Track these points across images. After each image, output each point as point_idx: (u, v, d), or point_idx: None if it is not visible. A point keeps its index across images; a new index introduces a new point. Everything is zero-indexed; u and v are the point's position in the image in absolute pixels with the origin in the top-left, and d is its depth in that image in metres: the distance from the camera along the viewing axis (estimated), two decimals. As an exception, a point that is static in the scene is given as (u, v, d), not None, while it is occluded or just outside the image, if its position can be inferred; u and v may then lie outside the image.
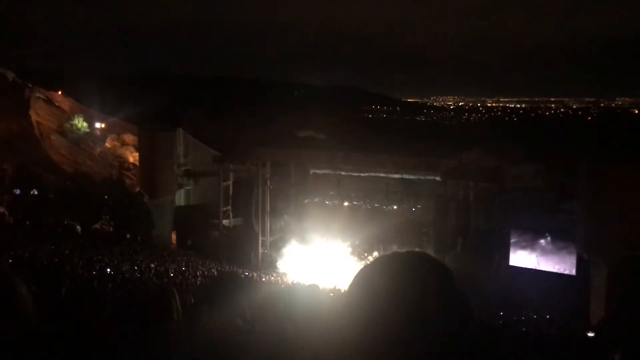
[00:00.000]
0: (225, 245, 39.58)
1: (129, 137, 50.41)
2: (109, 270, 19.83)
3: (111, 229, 39.72)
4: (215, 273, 30.77)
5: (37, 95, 50.32)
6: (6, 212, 39.40)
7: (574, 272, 29.86)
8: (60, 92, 53.90)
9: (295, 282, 34.68)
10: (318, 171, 40.74)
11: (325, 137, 46.67)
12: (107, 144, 50.62)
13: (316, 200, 40.85)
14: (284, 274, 36.68)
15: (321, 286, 31.65)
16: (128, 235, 38.68)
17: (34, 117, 48.44)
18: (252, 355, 3.55)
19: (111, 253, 28.62)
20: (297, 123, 46.02)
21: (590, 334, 16.83)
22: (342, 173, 39.62)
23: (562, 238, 30.55)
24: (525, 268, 31.18)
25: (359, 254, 38.12)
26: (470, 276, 32.53)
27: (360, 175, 39.41)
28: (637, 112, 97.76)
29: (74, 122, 49.57)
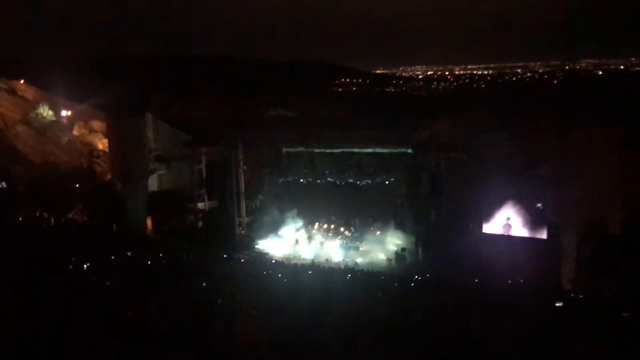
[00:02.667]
0: (202, 228, 39.58)
1: (97, 124, 49.38)
2: (85, 266, 19.67)
3: (85, 218, 39.21)
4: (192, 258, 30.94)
5: (0, 85, 48.91)
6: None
7: (544, 237, 30.62)
8: (22, 81, 52.42)
9: (274, 260, 35.00)
10: (291, 150, 40.78)
11: (295, 114, 46.45)
12: (75, 132, 49.54)
13: (290, 179, 40.94)
14: (264, 252, 36.89)
15: (299, 262, 32.06)
16: (103, 224, 38.24)
17: (-3, 109, 47.13)
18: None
19: (87, 244, 28.33)
20: (266, 102, 45.60)
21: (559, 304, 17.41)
22: (315, 150, 39.76)
23: (533, 203, 31.23)
24: (498, 234, 31.85)
25: (335, 229, 38.43)
26: (445, 245, 33.25)
27: (333, 152, 39.58)
28: (600, 73, 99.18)
29: (39, 111, 48.33)
